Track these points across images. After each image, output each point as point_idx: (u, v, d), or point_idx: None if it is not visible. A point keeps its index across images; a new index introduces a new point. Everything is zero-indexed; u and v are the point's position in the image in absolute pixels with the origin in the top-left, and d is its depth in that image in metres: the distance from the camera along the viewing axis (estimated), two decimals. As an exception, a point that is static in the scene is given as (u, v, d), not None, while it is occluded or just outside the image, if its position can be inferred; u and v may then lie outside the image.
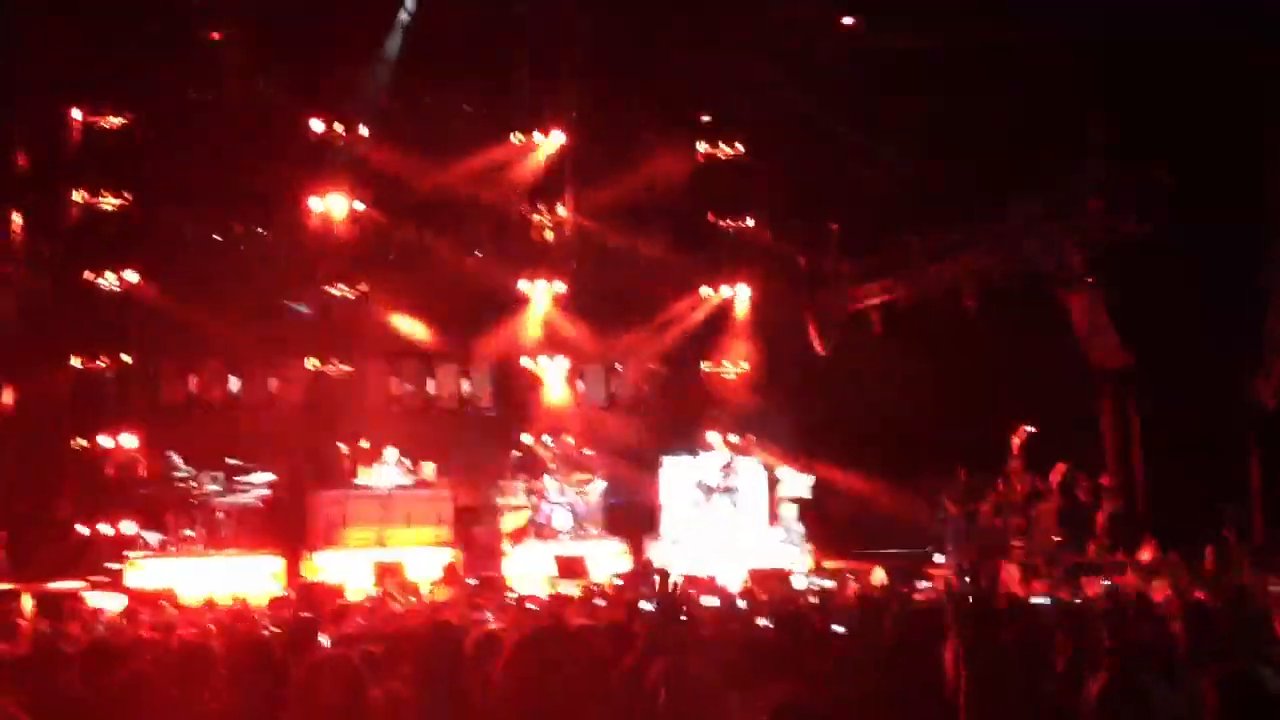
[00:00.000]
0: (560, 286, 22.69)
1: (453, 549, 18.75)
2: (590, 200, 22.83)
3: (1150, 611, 9.17)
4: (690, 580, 15.62)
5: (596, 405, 23.42)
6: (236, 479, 18.97)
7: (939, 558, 19.29)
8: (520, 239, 23.13)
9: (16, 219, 20.04)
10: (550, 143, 22.47)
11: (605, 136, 22.66)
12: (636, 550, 19.73)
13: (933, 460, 19.97)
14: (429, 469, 20.03)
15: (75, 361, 20.68)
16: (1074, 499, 18.99)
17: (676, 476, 20.98)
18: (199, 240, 21.36)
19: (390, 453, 19.70)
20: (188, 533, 18.33)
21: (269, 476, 19.09)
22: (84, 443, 20.15)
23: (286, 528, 19.00)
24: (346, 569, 17.52)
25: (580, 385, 23.42)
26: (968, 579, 16.30)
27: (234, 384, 22.00)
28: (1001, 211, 19.89)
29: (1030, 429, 19.33)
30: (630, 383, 24.08)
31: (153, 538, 18.24)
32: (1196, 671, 5.57)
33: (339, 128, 21.23)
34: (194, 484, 18.54)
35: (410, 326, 21.87)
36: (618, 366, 23.99)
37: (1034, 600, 15.39)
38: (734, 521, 20.48)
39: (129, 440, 20.02)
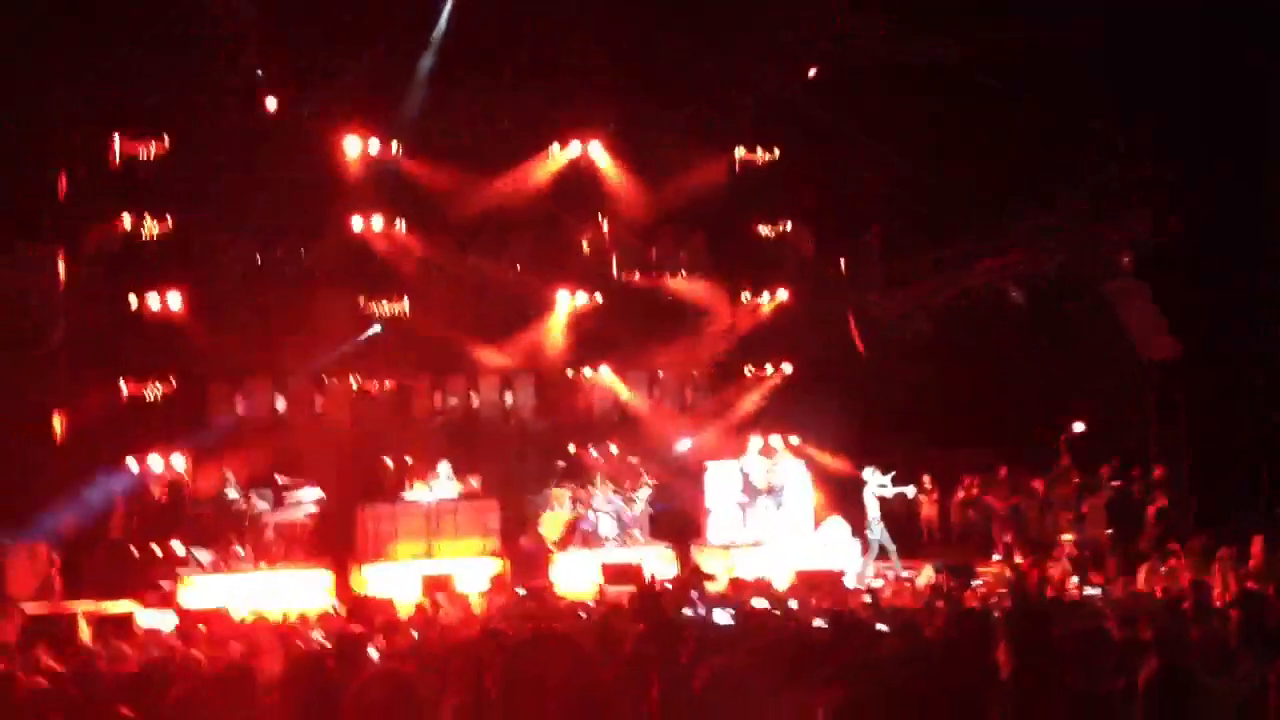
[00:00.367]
0: (599, 296, 22.76)
1: (500, 559, 18.84)
2: (628, 209, 22.88)
3: (1203, 602, 9.13)
4: (738, 583, 15.67)
5: (640, 412, 23.46)
6: (285, 496, 19.17)
7: (995, 556, 19.24)
8: (559, 250, 23.21)
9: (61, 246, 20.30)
10: (588, 153, 22.54)
11: (642, 146, 22.68)
12: (683, 556, 19.76)
13: (974, 460, 19.85)
14: (475, 481, 20.13)
15: (123, 385, 20.94)
16: (1125, 493, 18.90)
17: (721, 481, 20.99)
18: (241, 262, 21.56)
19: (444, 466, 19.81)
20: (238, 550, 18.52)
21: (317, 493, 19.23)
22: (135, 465, 20.36)
23: (335, 543, 19.17)
24: (395, 582, 17.60)
25: (624, 393, 23.48)
26: (1017, 577, 16.24)
27: (280, 403, 22.22)
28: (1045, 212, 19.83)
29: (1079, 426, 19.23)
30: (673, 389, 24.12)
31: (204, 556, 18.42)
32: (1250, 661, 5.54)
33: (376, 146, 21.37)
34: (244, 503, 18.75)
35: (452, 341, 21.98)
36: (660, 374, 24.03)
37: (1087, 592, 15.39)
38: (779, 523, 20.43)
39: (178, 461, 20.24)
